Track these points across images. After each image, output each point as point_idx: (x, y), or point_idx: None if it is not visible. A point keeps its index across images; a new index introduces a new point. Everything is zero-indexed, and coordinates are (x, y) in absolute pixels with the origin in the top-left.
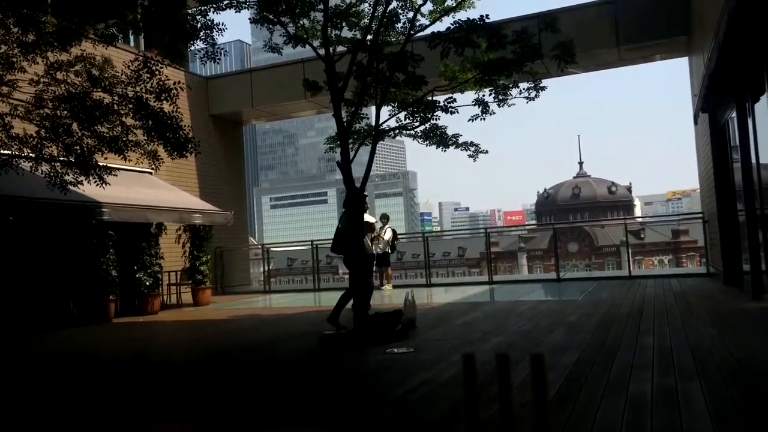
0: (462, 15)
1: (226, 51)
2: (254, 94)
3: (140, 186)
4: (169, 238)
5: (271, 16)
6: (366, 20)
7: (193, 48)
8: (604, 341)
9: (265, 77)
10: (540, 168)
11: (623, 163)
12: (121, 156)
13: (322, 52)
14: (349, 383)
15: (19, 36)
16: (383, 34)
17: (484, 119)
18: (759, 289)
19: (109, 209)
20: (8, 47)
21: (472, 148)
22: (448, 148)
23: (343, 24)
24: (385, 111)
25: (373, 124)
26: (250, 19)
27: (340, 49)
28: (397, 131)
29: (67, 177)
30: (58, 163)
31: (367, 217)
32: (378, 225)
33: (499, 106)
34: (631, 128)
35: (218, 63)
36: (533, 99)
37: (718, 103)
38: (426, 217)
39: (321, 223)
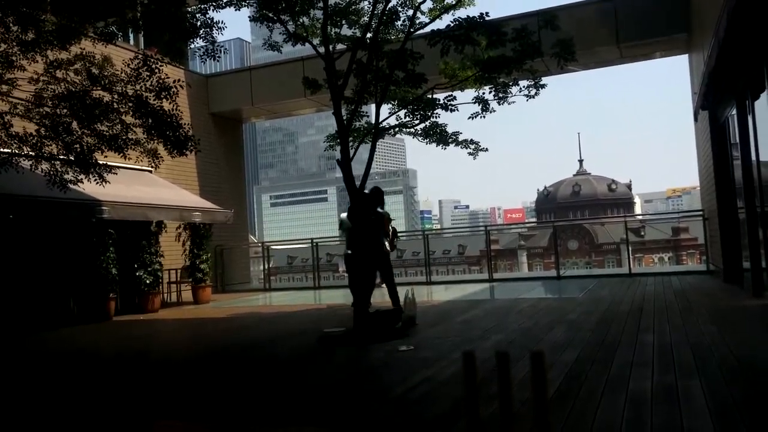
0: (462, 12)
1: (225, 49)
2: (254, 92)
3: (140, 184)
4: (169, 236)
5: (270, 14)
6: (366, 18)
7: (192, 46)
8: (604, 339)
9: (264, 75)
10: (540, 166)
11: (623, 161)
12: (121, 154)
13: (321, 50)
14: (350, 381)
15: (18, 34)
16: (383, 32)
17: (484, 117)
18: (759, 286)
19: (109, 207)
20: (8, 46)
21: (472, 146)
22: (448, 146)
23: (343, 22)
24: (385, 109)
25: (373, 122)
26: (249, 17)
27: (339, 47)
28: (397, 129)
29: (66, 175)
30: (58, 162)
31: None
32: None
33: (499, 104)
34: (631, 126)
35: (218, 61)
36: (533, 97)
37: (718, 100)
38: (426, 215)
39: (321, 221)
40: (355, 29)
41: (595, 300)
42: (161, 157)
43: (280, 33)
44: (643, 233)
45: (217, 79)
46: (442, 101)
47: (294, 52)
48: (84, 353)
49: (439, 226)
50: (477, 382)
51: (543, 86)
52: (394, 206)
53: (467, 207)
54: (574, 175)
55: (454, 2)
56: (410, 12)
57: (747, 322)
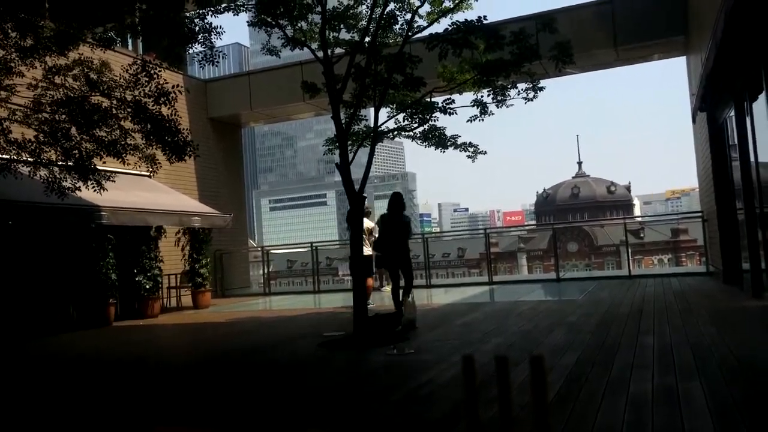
0: (460, 16)
1: (224, 54)
2: (253, 97)
3: (139, 189)
4: (168, 241)
5: (269, 19)
6: (364, 22)
7: (191, 51)
8: (605, 341)
9: (263, 80)
10: (539, 168)
11: (622, 163)
12: (120, 160)
13: (320, 54)
14: (350, 384)
15: (17, 40)
16: (381, 36)
17: (482, 120)
18: (758, 287)
19: (108, 213)
20: (6, 52)
21: (471, 149)
22: (447, 149)
23: (341, 26)
24: (383, 112)
25: (372, 125)
26: (248, 22)
27: (338, 51)
28: (395, 133)
29: (65, 183)
30: (57, 168)
31: (367, 222)
32: (376, 228)
33: (498, 107)
34: (629, 127)
35: (217, 66)
36: (531, 99)
37: (716, 102)
38: (425, 218)
39: (320, 225)
40: (353, 33)
41: (595, 302)
42: (160, 162)
43: (278, 38)
44: (642, 235)
45: (216, 84)
46: (440, 104)
47: (292, 56)
48: (84, 359)
49: (438, 229)
50: (476, 386)
51: (541, 89)
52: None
53: (467, 210)
54: (573, 178)
55: (452, 6)
56: (408, 16)
57: (747, 323)
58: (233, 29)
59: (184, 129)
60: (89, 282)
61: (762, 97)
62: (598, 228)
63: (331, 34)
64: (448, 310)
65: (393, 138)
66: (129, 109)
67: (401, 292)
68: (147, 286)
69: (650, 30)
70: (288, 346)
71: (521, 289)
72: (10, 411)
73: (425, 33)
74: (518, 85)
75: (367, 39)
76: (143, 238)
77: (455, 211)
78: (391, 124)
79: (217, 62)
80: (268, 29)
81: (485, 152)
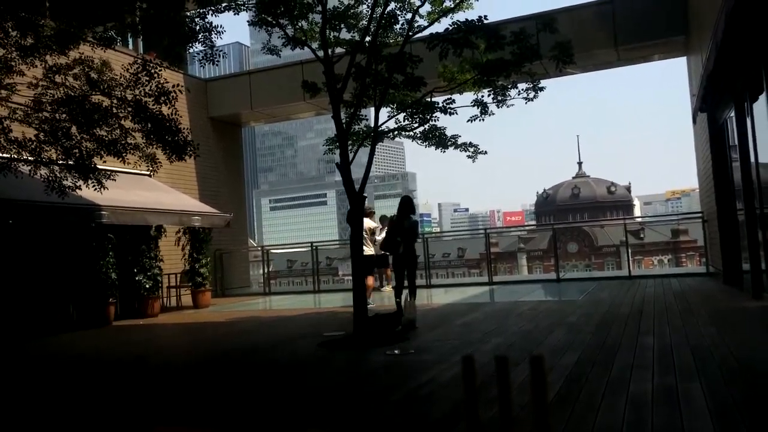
0: (460, 16)
1: (224, 53)
2: (253, 96)
3: (139, 189)
4: (168, 241)
5: (269, 19)
6: (364, 22)
7: (191, 50)
8: (605, 341)
9: (263, 79)
10: (539, 168)
11: (622, 163)
12: (120, 159)
13: (320, 53)
14: (350, 384)
15: (17, 39)
16: (382, 36)
17: (483, 120)
18: (759, 288)
19: (108, 212)
20: (7, 51)
21: (471, 149)
22: (447, 148)
23: (342, 26)
24: (384, 112)
25: (372, 125)
26: (248, 21)
27: (338, 50)
28: (396, 132)
29: (65, 181)
30: (57, 167)
31: (369, 222)
32: (378, 228)
33: (498, 107)
34: (630, 128)
35: (217, 65)
36: (532, 99)
37: (716, 102)
38: (425, 218)
39: (320, 224)
40: (353, 33)
41: (595, 302)
42: (160, 161)
43: (279, 37)
44: (642, 235)
45: (216, 84)
46: (441, 104)
47: (293, 56)
48: (84, 358)
49: (438, 229)
50: (477, 386)
51: (542, 89)
52: (393, 209)
53: (467, 210)
54: (573, 178)
55: (452, 6)
56: (409, 15)
57: (747, 323)
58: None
59: (184, 128)
60: (89, 281)
61: (762, 97)
62: (598, 228)
63: (332, 33)
64: (448, 310)
65: (393, 138)
66: (129, 109)
67: (407, 292)
68: (147, 286)
69: (650, 30)
70: (288, 346)
71: (521, 289)
72: (10, 411)
73: (426, 33)
74: (519, 85)
75: (367, 38)
76: (143, 238)
77: (455, 211)
78: (391, 124)
79: (218, 61)
80: (269, 28)
81: (485, 152)
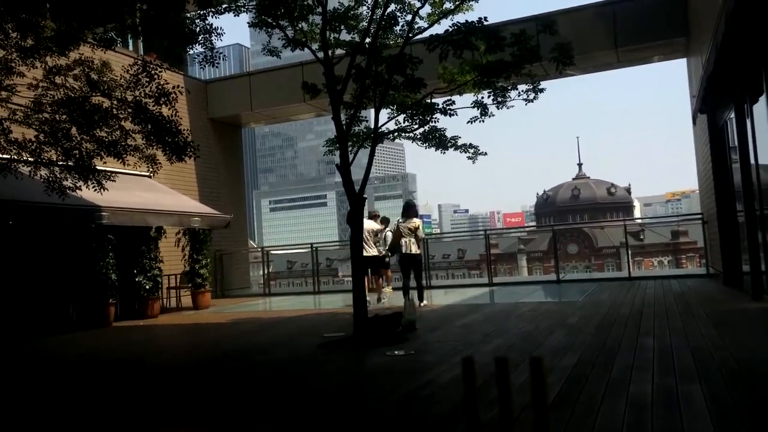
0: (460, 17)
1: (224, 55)
2: (253, 98)
3: (139, 190)
4: (168, 242)
5: (269, 20)
6: (364, 23)
7: (192, 52)
8: (605, 343)
9: (264, 80)
10: (539, 169)
11: (622, 165)
12: (120, 160)
13: (320, 55)
14: (350, 385)
15: (17, 40)
16: (382, 37)
17: (483, 121)
18: (759, 289)
19: (108, 213)
20: (7, 52)
21: (471, 150)
22: (447, 150)
23: (342, 27)
24: (384, 113)
25: (372, 126)
26: (248, 22)
27: (338, 52)
28: (396, 134)
29: (66, 182)
30: (57, 168)
31: (372, 224)
32: (385, 230)
33: (498, 108)
34: (629, 129)
35: (217, 67)
36: (532, 101)
37: (716, 104)
38: (425, 219)
39: (320, 225)
40: (353, 34)
41: (595, 304)
42: (160, 162)
43: (279, 38)
44: (642, 237)
45: (217, 85)
46: (441, 106)
47: (293, 57)
48: (84, 359)
49: (438, 231)
50: (477, 388)
51: (542, 90)
52: (393, 210)
53: (467, 211)
54: (573, 179)
55: (452, 7)
56: (409, 17)
57: (747, 325)
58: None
59: (184, 129)
60: (89, 282)
61: (762, 99)
62: (598, 230)
63: (332, 35)
64: (448, 311)
65: (393, 139)
66: (129, 110)
67: (413, 293)
68: (147, 287)
69: (651, 31)
70: (288, 347)
71: (521, 290)
72: (10, 411)
73: (426, 34)
74: (519, 86)
75: (367, 40)
76: (143, 239)
77: (455, 212)
78: (391, 125)
79: (218, 63)
80: (269, 30)
81: (485, 153)
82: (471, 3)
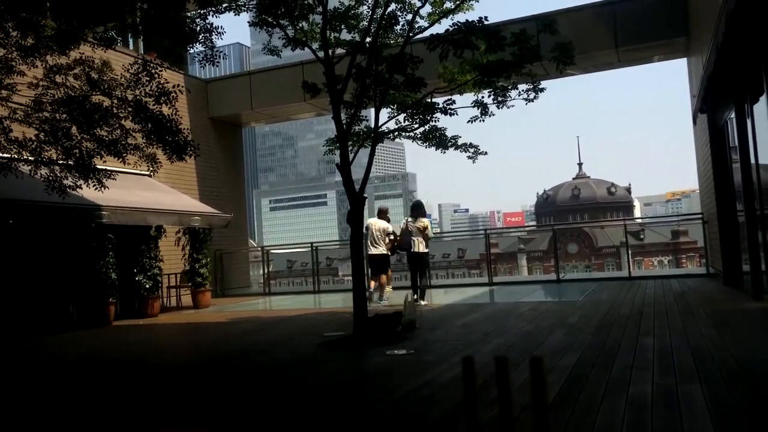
0: (461, 17)
1: (225, 54)
2: (253, 97)
3: (139, 189)
4: (168, 241)
5: (270, 19)
6: (365, 23)
7: (192, 51)
8: (605, 342)
9: (264, 80)
10: (539, 169)
11: (622, 164)
12: (120, 159)
13: (321, 54)
14: (350, 385)
15: (18, 39)
16: (382, 37)
17: (483, 121)
18: (759, 289)
19: (108, 212)
20: (7, 51)
21: (472, 150)
22: (448, 149)
23: (342, 26)
24: (384, 113)
25: (373, 126)
26: (249, 22)
27: (339, 51)
28: (396, 133)
29: (66, 181)
30: (57, 167)
31: (383, 223)
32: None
33: (498, 108)
34: (630, 129)
35: (217, 66)
36: (532, 100)
37: (716, 104)
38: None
39: (320, 225)
40: (354, 34)
41: (595, 303)
42: (160, 161)
43: (279, 38)
44: (642, 236)
45: (217, 84)
46: (441, 105)
47: (293, 56)
48: (84, 358)
49: (438, 230)
50: (477, 388)
51: (542, 90)
52: (393, 210)
53: (467, 210)
54: (573, 179)
55: (453, 6)
56: (409, 16)
57: (747, 325)
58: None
59: (184, 128)
60: (89, 281)
61: (763, 99)
62: (599, 229)
63: (332, 34)
64: (448, 310)
65: (393, 138)
66: (130, 109)
67: (419, 291)
68: (147, 286)
69: (651, 31)
70: (288, 346)
71: (521, 290)
72: (9, 411)
73: (426, 33)
74: (519, 86)
75: (368, 39)
76: (143, 238)
77: (455, 211)
78: (391, 125)
79: (218, 62)
80: (269, 29)
81: (486, 153)
82: (471, 2)
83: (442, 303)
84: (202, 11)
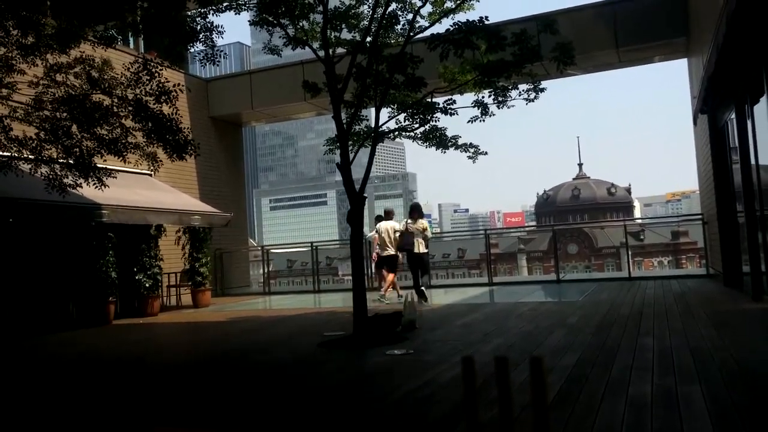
0: (461, 17)
1: (225, 53)
2: (254, 96)
3: (140, 188)
4: (168, 240)
5: (270, 18)
6: (365, 22)
7: (192, 50)
8: (604, 342)
9: (264, 79)
10: (539, 169)
11: (623, 165)
12: (121, 158)
13: (321, 53)
14: (350, 385)
15: (18, 38)
16: (383, 36)
17: (483, 121)
18: (759, 290)
19: (108, 211)
20: (8, 49)
21: (472, 150)
22: (448, 149)
23: (343, 26)
24: (384, 113)
25: (373, 125)
26: (249, 21)
27: (339, 51)
28: (396, 133)
29: (66, 179)
30: (58, 165)
31: (394, 224)
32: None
33: (499, 108)
34: (630, 129)
35: (218, 65)
36: (533, 100)
37: (717, 104)
38: (426, 219)
39: (320, 224)
40: (354, 33)
41: (595, 304)
42: (161, 160)
43: (280, 37)
44: (642, 237)
45: (217, 83)
46: (441, 105)
47: (294, 55)
48: (83, 357)
49: (438, 230)
50: (476, 388)
51: (542, 90)
52: (394, 210)
53: (467, 210)
54: (573, 179)
55: (453, 6)
56: (410, 16)
57: (747, 325)
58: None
59: (185, 128)
60: (89, 280)
61: (763, 100)
62: (599, 230)
63: (333, 33)
64: (448, 310)
65: (394, 138)
66: (130, 108)
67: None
68: (147, 285)
69: (651, 31)
70: (288, 346)
71: (521, 290)
72: (9, 410)
73: (427, 33)
74: (519, 86)
75: (368, 39)
76: (143, 237)
77: (455, 211)
78: (392, 125)
79: (218, 61)
80: (270, 28)
81: (486, 153)
82: (472, 2)
83: (442, 303)
84: (202, 10)
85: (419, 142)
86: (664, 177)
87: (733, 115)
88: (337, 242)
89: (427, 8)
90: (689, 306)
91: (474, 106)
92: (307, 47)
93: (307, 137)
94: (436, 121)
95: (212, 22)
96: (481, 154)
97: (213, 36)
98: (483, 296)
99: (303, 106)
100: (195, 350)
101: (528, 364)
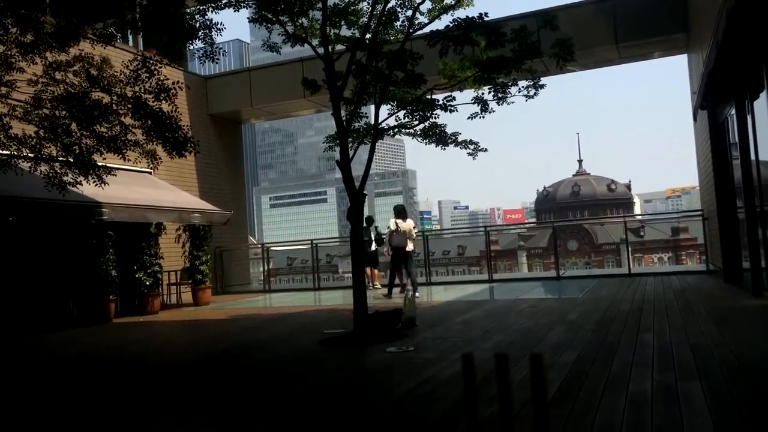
0: (461, 13)
1: (224, 51)
2: (253, 94)
3: (140, 186)
4: (168, 238)
5: (269, 15)
6: (365, 19)
7: (191, 47)
8: (605, 339)
9: (264, 76)
10: (539, 166)
11: (623, 161)
12: (120, 156)
13: (321, 50)
14: (350, 382)
15: (17, 36)
16: (382, 33)
17: (483, 117)
18: (759, 286)
19: (108, 209)
20: (6, 47)
21: (472, 146)
22: (448, 146)
23: (342, 23)
24: (384, 110)
25: (373, 122)
26: (248, 18)
27: (339, 47)
28: (396, 130)
29: (66, 177)
30: (57, 164)
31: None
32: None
33: (498, 104)
34: (630, 125)
35: (217, 62)
36: (532, 97)
37: (717, 100)
38: (426, 216)
39: (321, 222)
40: (354, 30)
41: (595, 300)
42: (160, 158)
43: (279, 34)
44: (642, 233)
45: (217, 81)
46: (441, 102)
47: (293, 53)
48: (84, 356)
49: (438, 227)
50: (477, 384)
51: (542, 86)
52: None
53: (467, 207)
54: (573, 176)
55: (453, 2)
56: (409, 12)
57: (747, 322)
58: (234, 25)
59: (184, 125)
60: (89, 278)
61: (763, 95)
62: (599, 226)
63: (332, 30)
64: (448, 307)
65: (393, 135)
66: (129, 105)
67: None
68: (147, 283)
69: (651, 27)
70: (288, 344)
71: (521, 287)
72: (9, 409)
73: (426, 30)
74: (519, 82)
75: (368, 36)
76: (143, 235)
77: (455, 208)
78: (391, 122)
79: (218, 59)
80: (269, 25)
81: (486, 149)
82: None
83: (442, 300)
84: (201, 7)
85: (419, 139)
86: (664, 173)
87: (733, 111)
88: (337, 240)
89: (427, 5)
90: (689, 302)
91: (474, 103)
92: (306, 44)
93: (306, 134)
94: (435, 117)
95: (211, 20)
96: (480, 150)
97: (212, 33)
98: (483, 293)
99: (302, 103)
100: (195, 348)
101: (528, 361)
